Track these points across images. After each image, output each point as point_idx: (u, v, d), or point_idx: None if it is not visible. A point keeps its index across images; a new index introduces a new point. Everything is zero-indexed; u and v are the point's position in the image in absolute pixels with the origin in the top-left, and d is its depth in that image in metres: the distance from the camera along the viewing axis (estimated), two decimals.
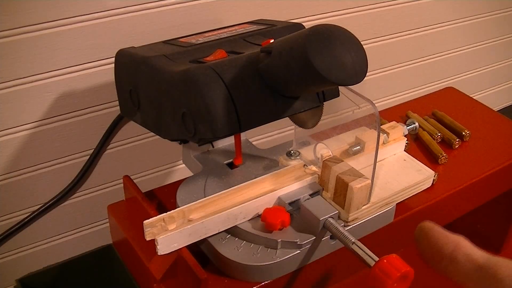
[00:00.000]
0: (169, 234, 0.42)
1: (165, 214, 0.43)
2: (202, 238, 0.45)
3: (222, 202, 0.46)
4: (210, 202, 0.46)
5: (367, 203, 0.49)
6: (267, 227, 0.46)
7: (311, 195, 0.49)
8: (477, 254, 0.34)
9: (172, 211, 0.44)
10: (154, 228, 0.43)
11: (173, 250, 0.43)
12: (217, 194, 0.46)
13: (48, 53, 0.59)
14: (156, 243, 0.42)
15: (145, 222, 0.42)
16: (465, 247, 0.34)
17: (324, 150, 0.52)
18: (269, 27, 0.55)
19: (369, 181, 0.46)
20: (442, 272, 0.35)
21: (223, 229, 0.46)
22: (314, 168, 0.51)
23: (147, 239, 0.43)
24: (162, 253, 0.43)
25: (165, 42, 0.56)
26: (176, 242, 0.43)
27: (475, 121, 0.68)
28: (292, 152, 0.53)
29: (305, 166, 0.51)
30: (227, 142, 0.58)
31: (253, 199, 0.46)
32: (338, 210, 0.47)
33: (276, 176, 0.49)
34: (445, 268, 0.35)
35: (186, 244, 0.44)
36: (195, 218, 0.44)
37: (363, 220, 0.49)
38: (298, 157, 0.52)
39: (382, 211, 0.50)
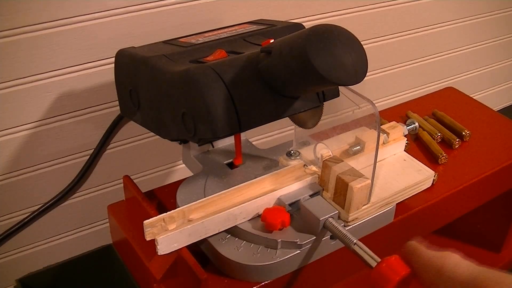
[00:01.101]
0: (169, 234, 0.42)
1: (165, 214, 0.43)
2: (202, 238, 0.45)
3: (222, 202, 0.46)
4: (210, 202, 0.46)
5: (367, 203, 0.49)
6: (267, 227, 0.46)
7: (311, 195, 0.49)
8: (462, 269, 0.35)
9: (172, 211, 0.44)
10: (154, 228, 0.43)
11: (173, 250, 0.43)
12: (217, 194, 0.46)
13: (48, 53, 0.59)
14: (156, 243, 0.42)
15: (145, 222, 0.42)
16: (449, 265, 0.35)
17: (324, 150, 0.52)
18: (269, 27, 0.55)
19: (369, 181, 0.46)
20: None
21: (223, 229, 0.46)
22: (314, 168, 0.51)
23: (147, 239, 0.43)
24: (162, 253, 0.43)
25: (165, 42, 0.56)
26: (176, 242, 0.43)
27: (475, 121, 0.68)
28: (292, 152, 0.53)
29: (305, 166, 0.51)
30: (227, 142, 0.58)
31: (253, 199, 0.46)
32: (338, 210, 0.47)
33: (276, 176, 0.49)
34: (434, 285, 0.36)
35: (186, 244, 0.44)
36: (195, 218, 0.44)
37: (363, 220, 0.49)
38: (298, 157, 0.52)
39: (382, 211, 0.50)
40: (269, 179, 0.49)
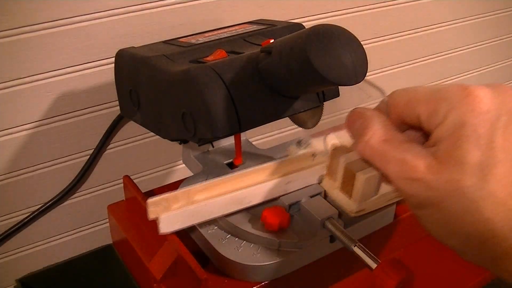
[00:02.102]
0: (172, 212, 0.42)
1: (169, 194, 0.43)
2: (205, 220, 0.44)
3: (227, 185, 0.45)
4: (215, 185, 0.45)
5: (375, 195, 0.48)
6: (267, 227, 0.46)
7: (311, 196, 0.48)
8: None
9: (177, 191, 0.43)
10: (157, 207, 0.42)
11: (175, 230, 0.43)
12: (222, 177, 0.46)
13: (48, 53, 0.59)
14: (157, 222, 0.42)
15: (149, 201, 0.42)
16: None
17: (335, 141, 0.51)
18: (269, 27, 0.55)
19: (378, 172, 0.46)
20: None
21: (226, 212, 0.45)
22: (322, 158, 0.51)
23: (150, 217, 0.42)
24: (163, 232, 0.42)
25: (165, 42, 0.56)
26: (178, 221, 0.43)
27: None
28: (301, 141, 0.52)
29: (314, 156, 0.50)
30: (227, 142, 0.58)
31: (258, 184, 0.46)
32: (345, 200, 0.46)
33: (284, 164, 0.48)
34: None
35: (188, 225, 0.44)
36: (200, 199, 0.44)
37: (364, 220, 0.49)
38: (307, 147, 0.52)
39: (382, 211, 0.50)
40: (276, 166, 0.48)
